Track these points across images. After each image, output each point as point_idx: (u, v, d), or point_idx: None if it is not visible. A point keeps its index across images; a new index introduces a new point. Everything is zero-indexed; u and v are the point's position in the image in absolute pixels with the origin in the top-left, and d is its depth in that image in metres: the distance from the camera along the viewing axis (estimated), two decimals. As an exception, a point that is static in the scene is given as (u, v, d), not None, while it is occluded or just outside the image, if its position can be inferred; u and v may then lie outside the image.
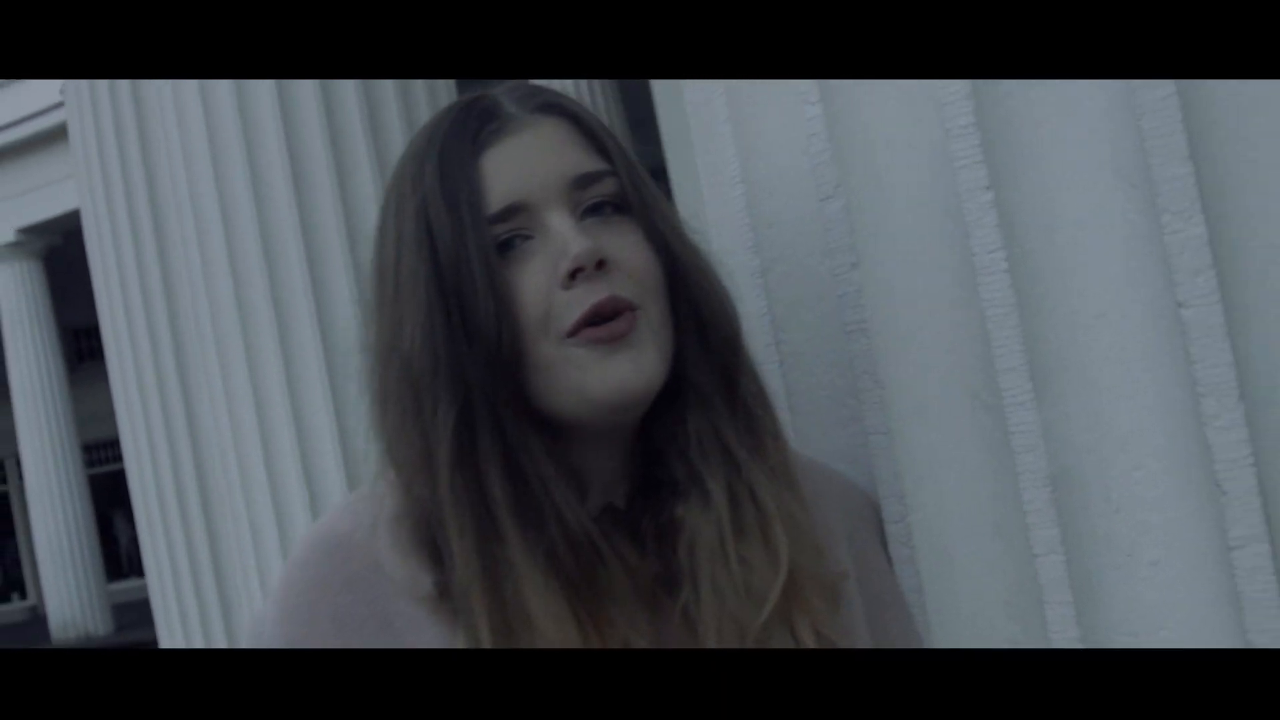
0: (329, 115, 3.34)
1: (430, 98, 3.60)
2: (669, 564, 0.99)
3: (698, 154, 1.22)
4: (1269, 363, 0.83)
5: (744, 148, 1.12)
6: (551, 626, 0.91)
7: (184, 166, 3.49)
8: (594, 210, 0.97)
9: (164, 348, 5.21)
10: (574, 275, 0.94)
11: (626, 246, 0.96)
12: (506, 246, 0.96)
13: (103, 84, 4.08)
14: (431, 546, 0.95)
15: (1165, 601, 0.89)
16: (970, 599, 0.98)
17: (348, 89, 3.36)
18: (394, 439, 0.97)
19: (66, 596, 13.77)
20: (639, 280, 0.96)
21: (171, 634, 5.56)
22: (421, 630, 0.93)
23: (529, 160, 0.96)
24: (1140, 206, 0.87)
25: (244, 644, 1.01)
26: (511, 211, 0.96)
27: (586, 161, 0.98)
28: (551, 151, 0.97)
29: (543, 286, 0.95)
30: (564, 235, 0.94)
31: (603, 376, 0.94)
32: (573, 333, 0.94)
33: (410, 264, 0.96)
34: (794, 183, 1.08)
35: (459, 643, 0.92)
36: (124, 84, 3.83)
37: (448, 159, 0.96)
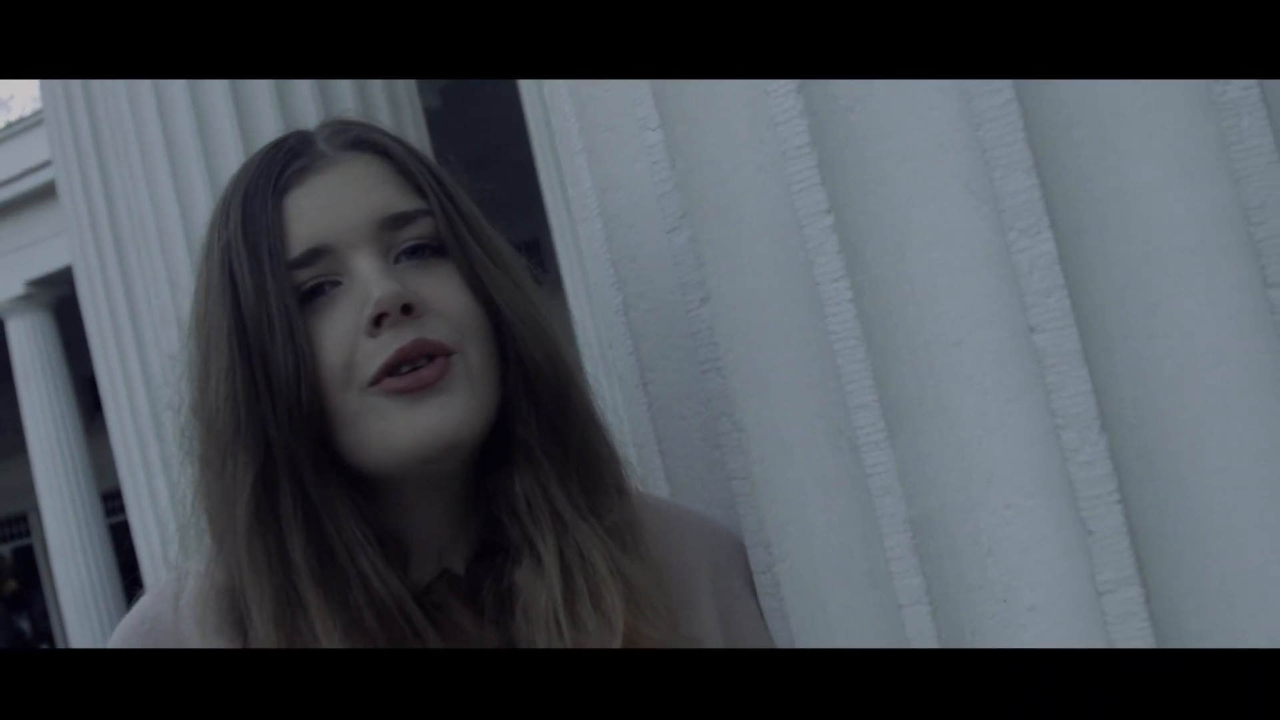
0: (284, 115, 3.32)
1: (389, 96, 3.58)
2: (508, 631, 0.93)
3: (569, 187, 1.15)
4: (1131, 389, 0.76)
5: (599, 179, 1.05)
6: None
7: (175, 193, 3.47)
8: (412, 254, 0.92)
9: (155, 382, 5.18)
10: (378, 321, 0.87)
11: (443, 290, 0.90)
12: (314, 294, 0.90)
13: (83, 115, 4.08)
14: (240, 618, 0.89)
15: (1046, 644, 0.82)
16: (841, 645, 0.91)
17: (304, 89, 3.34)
18: (206, 504, 0.91)
19: (94, 646, 13.71)
20: (456, 325, 0.90)
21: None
22: None
23: (334, 201, 0.91)
24: (992, 223, 0.80)
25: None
26: (314, 255, 0.90)
27: (399, 201, 0.92)
28: (359, 190, 0.91)
29: (347, 335, 0.89)
30: (368, 279, 0.88)
31: (408, 425, 0.88)
32: (375, 381, 0.88)
33: (215, 315, 0.90)
34: (647, 217, 1.01)
35: None
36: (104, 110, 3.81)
37: (251, 201, 0.90)
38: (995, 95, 0.78)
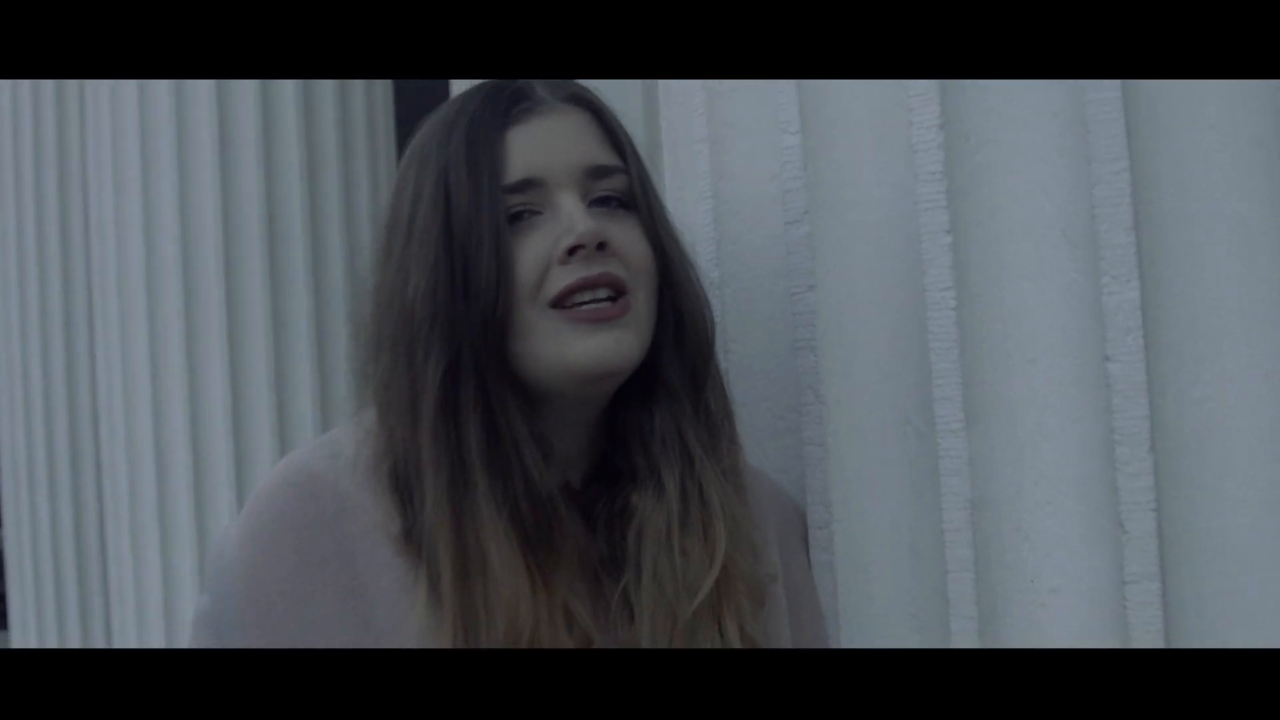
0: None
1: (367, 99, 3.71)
2: (615, 548, 1.05)
3: (667, 167, 1.29)
4: (1180, 419, 0.93)
5: (716, 168, 1.19)
6: (506, 576, 0.97)
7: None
8: (601, 201, 1.04)
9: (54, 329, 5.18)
10: (572, 252, 1.00)
11: (626, 238, 1.03)
12: (515, 218, 1.02)
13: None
14: (404, 491, 1.01)
15: (1060, 626, 0.98)
16: (881, 606, 1.07)
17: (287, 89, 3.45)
18: (384, 382, 1.02)
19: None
20: (634, 269, 1.03)
21: (25, 633, 5.52)
22: (383, 570, 0.98)
23: (551, 142, 1.03)
24: (1082, 267, 0.96)
25: (207, 565, 1.05)
26: (526, 185, 1.02)
27: (603, 155, 1.05)
28: (573, 138, 1.04)
29: (541, 258, 1.01)
30: (571, 215, 1.01)
31: (585, 348, 1.00)
32: (556, 302, 1.00)
33: (425, 220, 1.01)
34: (760, 206, 1.16)
35: (420, 584, 0.97)
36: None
37: (476, 128, 1.02)
38: (1113, 163, 0.94)
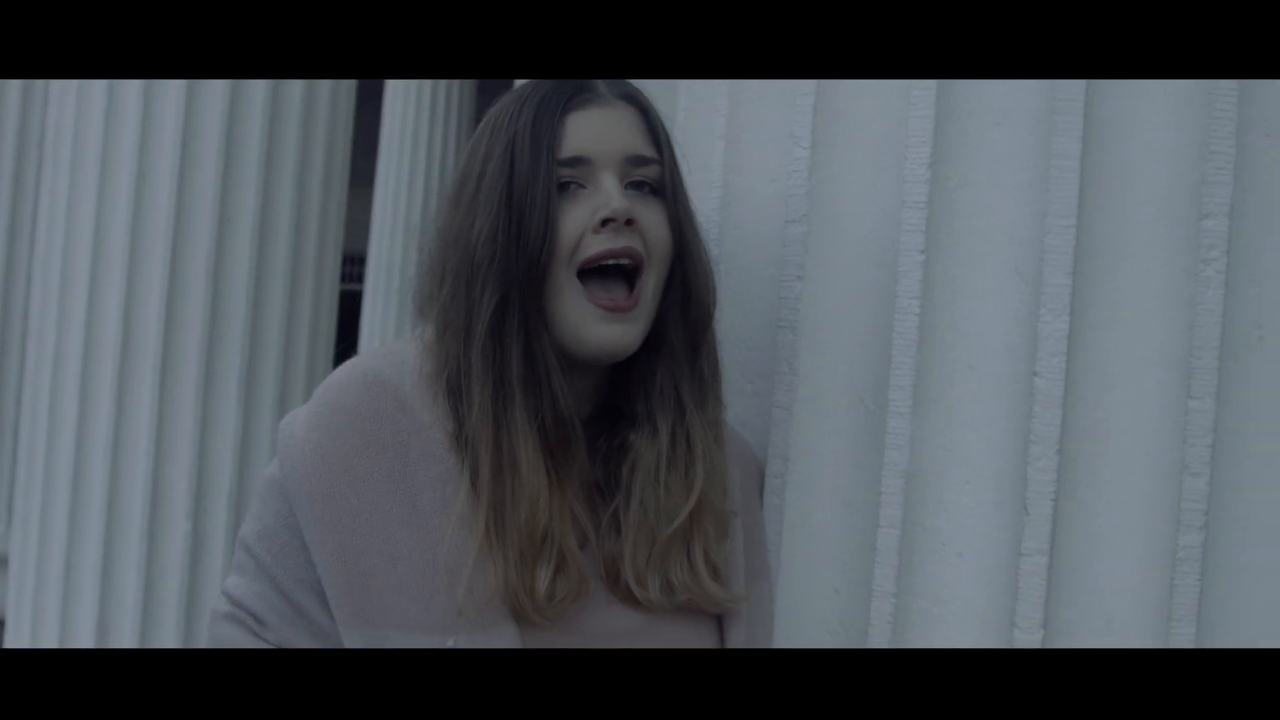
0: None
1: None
2: (610, 475, 1.25)
3: (681, 151, 1.48)
4: (1084, 431, 1.16)
5: (729, 163, 1.39)
6: (531, 475, 1.16)
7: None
8: (636, 185, 1.23)
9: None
10: (605, 224, 1.19)
11: (651, 220, 1.22)
12: (564, 187, 1.20)
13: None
14: (454, 398, 1.19)
15: (961, 584, 1.20)
16: (817, 549, 1.28)
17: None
18: (446, 306, 1.21)
19: None
20: (653, 248, 1.22)
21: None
22: (432, 462, 1.17)
23: (602, 129, 1.22)
24: (1025, 298, 1.18)
25: (278, 440, 1.22)
26: (577, 161, 1.21)
27: (643, 147, 1.24)
28: (621, 129, 1.23)
29: (579, 224, 1.20)
30: (610, 192, 1.20)
31: (597, 333, 1.19)
32: (587, 265, 1.19)
33: (491, 179, 1.20)
34: (763, 202, 1.36)
35: (463, 475, 1.16)
36: None
37: (543, 109, 1.20)
38: (1064, 218, 1.16)
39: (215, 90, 3.75)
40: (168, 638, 3.84)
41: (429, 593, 1.13)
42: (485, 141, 1.22)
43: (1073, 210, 1.16)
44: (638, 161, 1.23)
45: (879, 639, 1.23)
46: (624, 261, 1.20)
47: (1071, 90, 1.16)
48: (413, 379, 1.20)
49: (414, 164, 9.70)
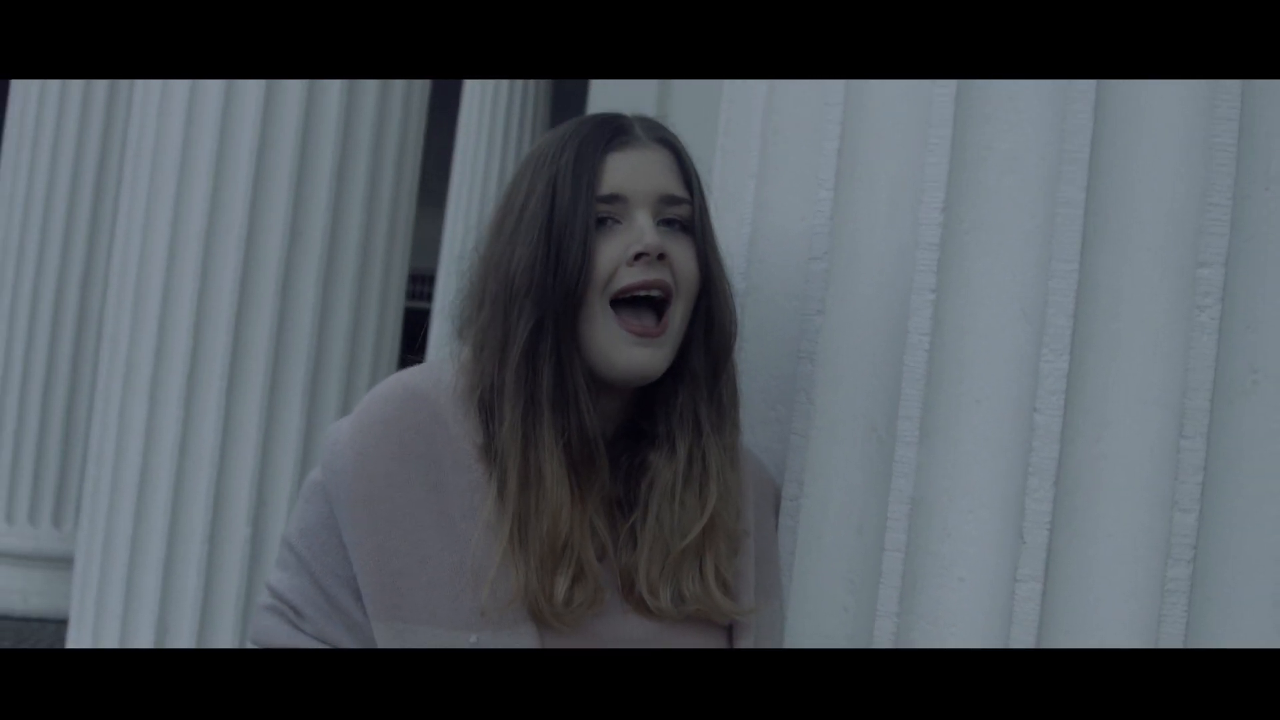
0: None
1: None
2: (630, 492, 1.33)
3: (717, 188, 1.56)
4: (1080, 466, 1.22)
5: (760, 201, 1.47)
6: (554, 488, 1.24)
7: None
8: (668, 222, 1.31)
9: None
10: (638, 258, 1.27)
11: (682, 255, 1.30)
12: (601, 222, 1.29)
13: None
14: (487, 414, 1.28)
15: (961, 607, 1.27)
16: (827, 569, 1.35)
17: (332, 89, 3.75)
18: (484, 328, 1.29)
19: None
20: (681, 281, 1.30)
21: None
22: (463, 472, 1.25)
23: (638, 170, 1.30)
24: (1029, 337, 1.25)
25: (323, 448, 1.31)
26: (614, 199, 1.29)
27: (675, 187, 1.32)
28: (655, 170, 1.31)
29: (613, 257, 1.28)
30: (643, 228, 1.28)
31: (628, 357, 1.28)
32: (620, 296, 1.27)
33: (533, 211, 1.28)
34: (789, 239, 1.43)
35: (491, 485, 1.25)
36: None
37: (584, 148, 1.29)
38: (1067, 263, 1.22)
39: (291, 104, 3.89)
40: (225, 638, 3.96)
41: (455, 592, 1.22)
42: (528, 176, 1.31)
43: (1075, 255, 1.22)
44: (670, 201, 1.31)
45: (882, 656, 1.29)
46: (654, 293, 1.28)
47: (1078, 141, 1.23)
48: (448, 394, 1.29)
49: (485, 184, 9.86)
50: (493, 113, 10.00)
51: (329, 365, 4.03)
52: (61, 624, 6.54)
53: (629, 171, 1.29)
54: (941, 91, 1.28)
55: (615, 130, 1.31)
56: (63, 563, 6.70)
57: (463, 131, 10.07)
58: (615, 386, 1.32)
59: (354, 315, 4.09)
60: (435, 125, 4.47)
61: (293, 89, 3.88)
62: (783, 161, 1.46)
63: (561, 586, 1.23)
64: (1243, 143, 1.22)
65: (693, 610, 1.29)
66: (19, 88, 6.86)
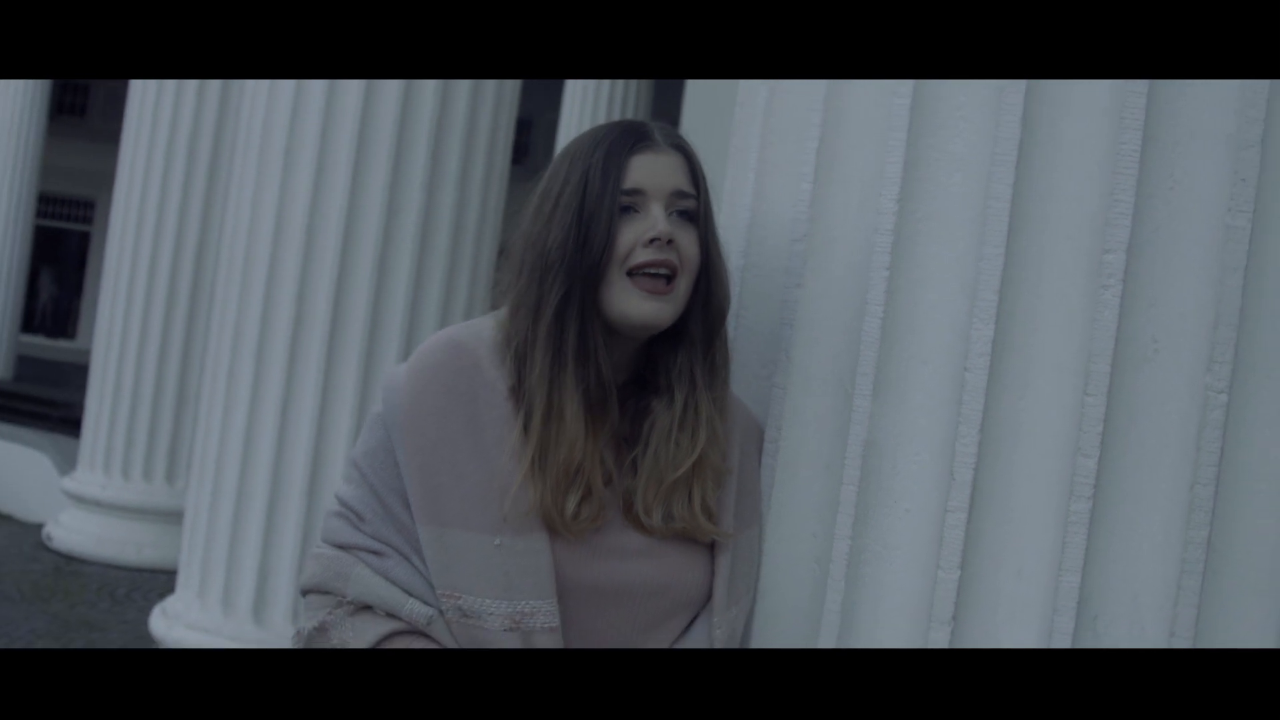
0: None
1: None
2: (635, 430, 1.60)
3: (728, 180, 1.83)
4: (1003, 416, 1.47)
5: (758, 192, 1.73)
6: (572, 424, 1.51)
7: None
8: (678, 213, 1.57)
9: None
10: (652, 241, 1.54)
11: (686, 240, 1.57)
12: (623, 210, 1.55)
13: None
14: (519, 362, 1.55)
15: (905, 532, 1.52)
16: (799, 499, 1.61)
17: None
18: (521, 292, 1.56)
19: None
20: (685, 262, 1.56)
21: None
22: (494, 408, 1.53)
23: (656, 170, 1.56)
24: (963, 309, 1.50)
25: (382, 387, 1.59)
26: (635, 192, 1.56)
27: (685, 185, 1.58)
28: (670, 170, 1.57)
29: (631, 239, 1.54)
30: (657, 217, 1.55)
31: (642, 308, 1.54)
32: (634, 269, 1.54)
33: (568, 198, 1.55)
34: (779, 224, 1.69)
35: (518, 420, 1.52)
36: None
37: (612, 150, 1.56)
38: (995, 247, 1.47)
39: (389, 94, 4.19)
40: (319, 585, 4.26)
41: (484, 503, 1.50)
42: (564, 169, 1.58)
43: (1003, 242, 1.47)
44: (680, 195, 1.57)
45: (838, 573, 1.55)
46: (663, 270, 1.55)
47: (1007, 146, 1.47)
48: (486, 346, 1.57)
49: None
50: (595, 95, 10.29)
51: (422, 333, 4.33)
52: (172, 574, 6.97)
53: (648, 171, 1.56)
54: (899, 102, 1.54)
55: (639, 136, 1.58)
56: (174, 517, 7.14)
57: (566, 111, 10.37)
58: (628, 341, 1.59)
59: (446, 286, 4.39)
60: (548, 97, 4.75)
61: (390, 85, 4.20)
62: (777, 158, 1.72)
63: (571, 503, 1.50)
64: (1149, 148, 1.46)
65: (679, 528, 1.56)
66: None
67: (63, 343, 20.90)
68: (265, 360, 4.30)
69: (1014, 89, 1.48)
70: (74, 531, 7.39)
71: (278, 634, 4.29)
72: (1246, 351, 1.45)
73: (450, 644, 1.51)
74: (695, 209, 1.60)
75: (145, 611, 6.28)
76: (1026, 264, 1.48)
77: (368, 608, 1.54)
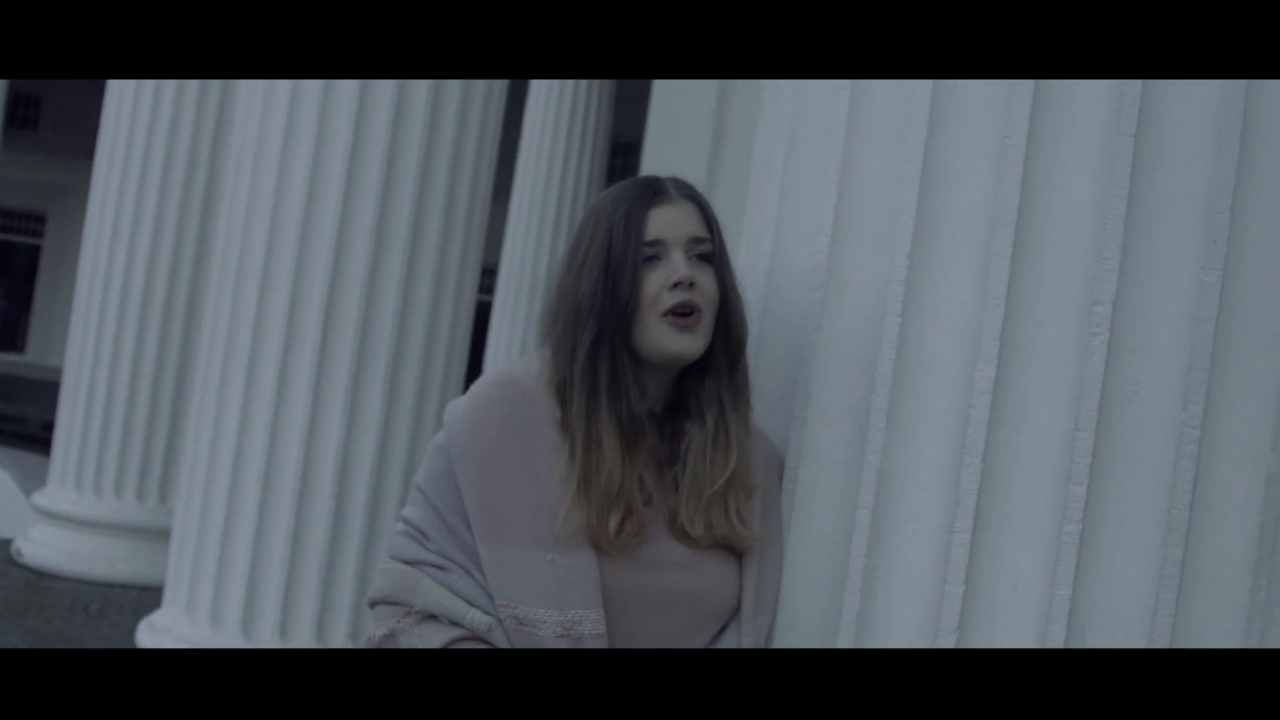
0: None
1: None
2: (673, 451, 1.78)
3: (746, 230, 2.01)
4: (1001, 450, 1.65)
5: (776, 242, 1.91)
6: (610, 452, 1.68)
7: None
8: (696, 257, 1.75)
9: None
10: (676, 285, 1.71)
11: (706, 281, 1.75)
12: (647, 260, 1.73)
13: None
14: (562, 396, 1.72)
15: (913, 552, 1.70)
16: (816, 524, 1.79)
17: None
18: (560, 337, 1.74)
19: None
20: (706, 300, 1.74)
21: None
22: (545, 438, 1.70)
23: (673, 222, 1.74)
24: (968, 353, 1.68)
25: (445, 419, 1.76)
26: (656, 243, 1.74)
27: (701, 231, 1.76)
28: (685, 220, 1.75)
29: (657, 285, 1.72)
30: (679, 263, 1.72)
31: (676, 342, 1.72)
32: (665, 313, 1.71)
33: (595, 253, 1.73)
34: (797, 272, 1.87)
35: (564, 449, 1.69)
36: None
37: (632, 207, 1.74)
38: (997, 297, 1.65)
39: (380, 113, 4.33)
40: (309, 600, 4.38)
41: (536, 524, 1.67)
42: (590, 227, 1.76)
43: (1004, 293, 1.66)
44: (697, 241, 1.75)
45: (853, 588, 1.73)
46: (688, 310, 1.72)
47: (1008, 209, 1.66)
48: (535, 382, 1.74)
49: (548, 179, 10.21)
50: (558, 105, 10.40)
51: (408, 355, 4.47)
52: (143, 590, 7.08)
53: (667, 222, 1.74)
54: (910, 166, 1.72)
55: (655, 191, 1.76)
56: (146, 533, 7.23)
57: (528, 127, 10.45)
58: (662, 374, 1.77)
59: (431, 310, 4.53)
60: (504, 122, 4.89)
61: (382, 106, 4.34)
62: (794, 212, 1.90)
63: (614, 523, 1.68)
64: (1133, 212, 1.65)
65: (718, 536, 1.74)
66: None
67: (12, 356, 20.82)
68: (255, 379, 4.40)
69: (1014, 151, 1.67)
70: (44, 547, 7.44)
71: (265, 648, 4.40)
72: (1217, 392, 1.64)
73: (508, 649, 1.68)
74: (711, 251, 1.78)
75: (119, 626, 6.37)
76: (1024, 314, 1.66)
77: (433, 617, 1.70)
